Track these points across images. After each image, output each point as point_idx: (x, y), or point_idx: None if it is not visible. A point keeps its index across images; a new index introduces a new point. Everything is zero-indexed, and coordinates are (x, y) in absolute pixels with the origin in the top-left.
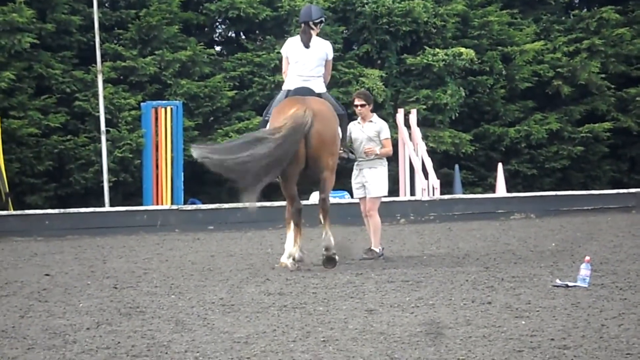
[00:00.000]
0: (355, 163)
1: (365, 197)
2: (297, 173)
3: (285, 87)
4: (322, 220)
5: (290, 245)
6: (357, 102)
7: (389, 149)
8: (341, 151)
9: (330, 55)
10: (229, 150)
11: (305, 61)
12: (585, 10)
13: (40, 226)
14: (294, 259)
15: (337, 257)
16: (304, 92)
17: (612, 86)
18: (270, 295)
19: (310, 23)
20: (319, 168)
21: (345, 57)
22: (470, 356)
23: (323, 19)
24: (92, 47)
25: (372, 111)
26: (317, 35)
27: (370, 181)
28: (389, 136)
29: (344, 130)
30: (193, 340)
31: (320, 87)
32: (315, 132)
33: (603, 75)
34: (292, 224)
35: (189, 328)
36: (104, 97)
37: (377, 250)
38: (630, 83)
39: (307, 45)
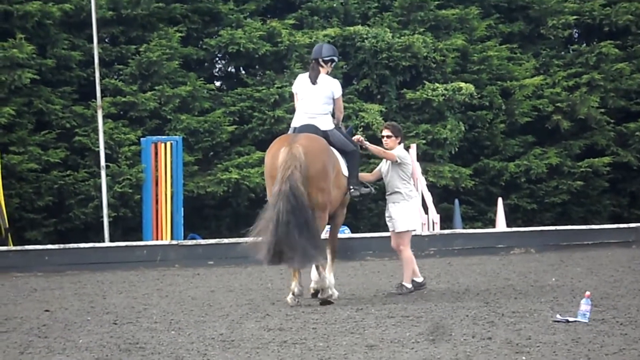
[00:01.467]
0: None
1: (393, 231)
2: None
3: (292, 124)
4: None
5: (315, 276)
6: (384, 132)
7: (390, 154)
8: (351, 189)
9: (337, 94)
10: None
11: (311, 98)
12: (584, 45)
13: (40, 261)
14: (293, 294)
15: (331, 299)
16: (309, 129)
17: (612, 121)
18: (270, 330)
19: (320, 60)
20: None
21: (344, 91)
22: None
23: (335, 58)
24: (92, 83)
25: (400, 144)
26: (328, 73)
27: (394, 216)
28: (392, 153)
29: (353, 167)
30: None
31: (326, 124)
32: (305, 170)
33: (602, 110)
34: None
35: None
36: (104, 132)
37: (408, 286)
38: (630, 118)
39: (314, 82)
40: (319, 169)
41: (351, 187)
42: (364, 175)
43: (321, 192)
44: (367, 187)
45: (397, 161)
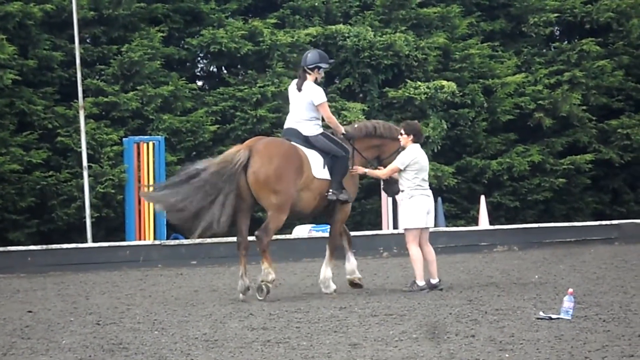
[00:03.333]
0: None
1: None
2: (243, 208)
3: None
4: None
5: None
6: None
7: (380, 173)
8: (329, 192)
9: (317, 101)
10: (170, 187)
11: (296, 104)
12: (565, 42)
13: (23, 263)
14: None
15: (259, 295)
16: (292, 133)
17: (594, 118)
18: (253, 330)
19: (305, 68)
20: (264, 205)
21: (327, 90)
22: None
23: (321, 64)
24: (73, 83)
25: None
26: (318, 80)
27: (399, 214)
28: (395, 165)
29: (337, 172)
30: None
31: (309, 130)
32: (251, 171)
33: (584, 107)
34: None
35: None
36: (86, 133)
37: (420, 284)
38: (612, 115)
39: (299, 89)
40: (270, 173)
41: (330, 190)
42: (372, 172)
43: (274, 194)
44: (345, 192)
45: (401, 170)
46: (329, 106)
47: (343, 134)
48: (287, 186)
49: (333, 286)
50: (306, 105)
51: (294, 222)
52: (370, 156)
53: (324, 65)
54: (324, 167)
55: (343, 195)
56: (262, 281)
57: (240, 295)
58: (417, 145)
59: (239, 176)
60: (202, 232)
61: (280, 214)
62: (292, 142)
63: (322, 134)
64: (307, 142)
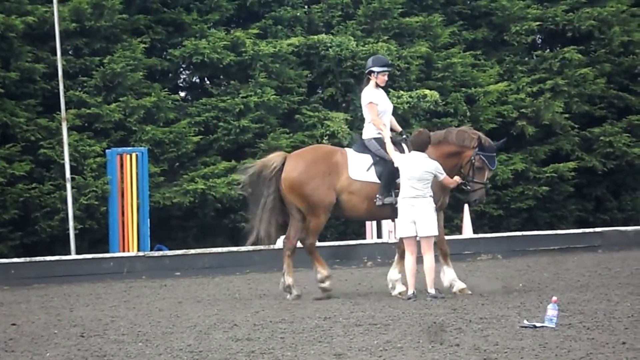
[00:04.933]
0: None
1: None
2: (291, 211)
3: None
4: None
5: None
6: None
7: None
8: (376, 198)
9: (363, 103)
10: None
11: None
12: (548, 50)
13: (6, 275)
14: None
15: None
16: (358, 137)
17: (576, 126)
18: (238, 341)
19: (366, 74)
20: (300, 209)
21: (310, 100)
22: None
23: (373, 68)
24: (56, 95)
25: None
26: (380, 85)
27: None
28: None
29: (383, 177)
30: None
31: (366, 133)
32: (282, 176)
33: (567, 115)
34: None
35: None
36: (69, 145)
37: (408, 292)
38: (594, 122)
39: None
40: (294, 177)
41: (377, 195)
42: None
43: (303, 198)
44: (391, 196)
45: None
46: (311, 116)
47: (391, 137)
48: (315, 190)
49: (461, 284)
50: (363, 109)
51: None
52: (449, 165)
53: (375, 69)
54: (367, 170)
55: (389, 199)
56: (318, 282)
57: (288, 295)
58: (411, 153)
59: (276, 181)
60: (256, 240)
61: (315, 216)
62: (340, 147)
63: (376, 137)
64: (363, 145)
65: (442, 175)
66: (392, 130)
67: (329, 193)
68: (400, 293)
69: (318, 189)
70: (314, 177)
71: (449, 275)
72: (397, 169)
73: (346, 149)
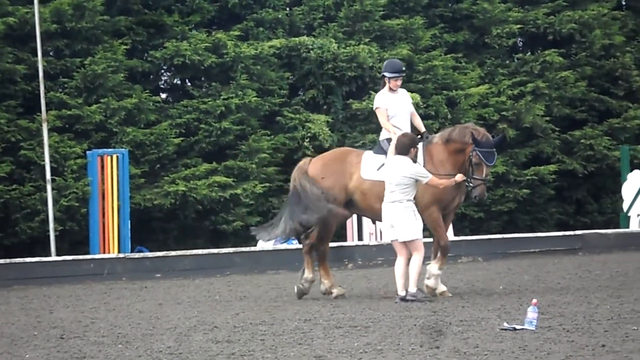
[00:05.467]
0: None
1: None
2: None
3: None
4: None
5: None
6: None
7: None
8: None
9: (374, 107)
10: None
11: None
12: (529, 53)
13: None
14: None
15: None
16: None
17: (557, 129)
18: (218, 343)
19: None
20: None
21: (291, 102)
22: None
23: (385, 73)
24: (36, 96)
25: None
26: (394, 88)
27: None
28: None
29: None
30: None
31: (382, 134)
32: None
33: (547, 118)
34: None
35: None
36: (50, 146)
37: (411, 290)
38: (575, 125)
39: None
40: (311, 177)
41: None
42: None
43: None
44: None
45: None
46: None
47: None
48: (329, 189)
49: (442, 287)
50: None
51: None
52: (457, 162)
53: (387, 74)
54: (378, 169)
55: None
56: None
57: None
58: (394, 157)
59: (303, 181)
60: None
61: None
62: (360, 149)
63: (388, 138)
64: (380, 146)
65: (425, 179)
66: (416, 131)
67: (340, 194)
68: (442, 293)
69: (331, 189)
70: (327, 177)
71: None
72: None
73: (366, 150)
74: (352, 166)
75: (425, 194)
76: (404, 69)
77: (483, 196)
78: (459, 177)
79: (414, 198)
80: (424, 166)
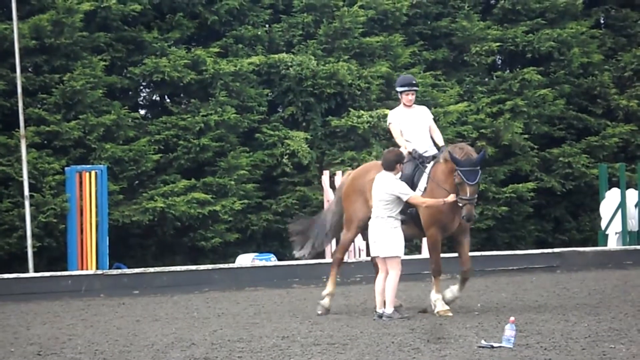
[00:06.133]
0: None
1: None
2: None
3: None
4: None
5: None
6: None
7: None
8: None
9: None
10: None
11: None
12: (507, 71)
13: None
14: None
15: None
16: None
17: (535, 146)
18: None
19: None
20: None
21: (270, 119)
22: None
23: (397, 89)
24: (15, 112)
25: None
26: (405, 102)
27: None
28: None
29: None
30: None
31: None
32: None
33: (526, 136)
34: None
35: None
36: (28, 162)
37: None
38: (553, 143)
39: None
40: (341, 191)
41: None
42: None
43: (345, 212)
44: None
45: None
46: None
47: (410, 152)
48: (349, 205)
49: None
50: None
51: (237, 251)
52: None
53: (398, 89)
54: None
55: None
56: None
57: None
58: (381, 173)
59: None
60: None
61: (348, 230)
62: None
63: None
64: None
65: (406, 196)
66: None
67: (362, 209)
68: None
69: (352, 204)
70: (353, 191)
71: (448, 293)
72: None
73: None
74: (368, 184)
75: (423, 214)
76: (414, 82)
77: (471, 216)
78: (451, 197)
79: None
80: (426, 184)
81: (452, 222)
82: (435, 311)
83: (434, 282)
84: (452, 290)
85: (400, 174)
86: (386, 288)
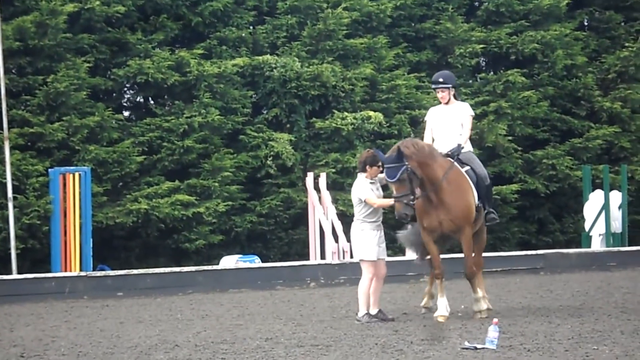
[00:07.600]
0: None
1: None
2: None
3: None
4: None
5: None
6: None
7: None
8: None
9: None
10: None
11: None
12: (491, 73)
13: None
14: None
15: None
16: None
17: (519, 148)
18: None
19: None
20: None
21: (254, 121)
22: None
23: (432, 86)
24: None
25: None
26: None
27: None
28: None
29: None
30: None
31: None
32: None
33: (510, 138)
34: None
35: None
36: (11, 164)
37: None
38: (537, 145)
39: None
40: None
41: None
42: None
43: None
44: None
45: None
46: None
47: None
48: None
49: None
50: None
51: (221, 253)
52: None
53: (432, 86)
54: None
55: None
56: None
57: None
58: (359, 175)
59: None
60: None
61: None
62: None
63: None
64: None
65: (363, 198)
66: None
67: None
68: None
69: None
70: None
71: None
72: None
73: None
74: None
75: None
76: (441, 80)
77: (400, 214)
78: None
79: None
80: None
81: (440, 225)
82: (434, 315)
83: (438, 284)
84: (473, 298)
85: (376, 176)
86: (358, 291)
